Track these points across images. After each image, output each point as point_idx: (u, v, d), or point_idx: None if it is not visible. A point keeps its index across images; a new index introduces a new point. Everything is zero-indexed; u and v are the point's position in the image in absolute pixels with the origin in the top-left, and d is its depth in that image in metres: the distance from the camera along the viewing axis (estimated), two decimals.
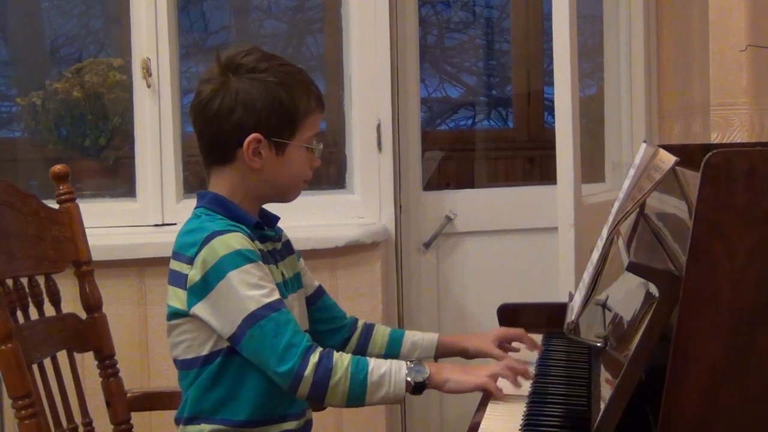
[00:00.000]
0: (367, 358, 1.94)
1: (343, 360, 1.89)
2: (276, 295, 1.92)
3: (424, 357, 2.19)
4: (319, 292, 2.22)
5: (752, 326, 1.34)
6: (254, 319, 1.87)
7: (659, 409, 1.37)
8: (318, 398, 1.90)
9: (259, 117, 1.96)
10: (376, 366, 1.91)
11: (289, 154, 1.99)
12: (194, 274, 1.91)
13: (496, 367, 1.96)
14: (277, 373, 1.87)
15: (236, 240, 1.92)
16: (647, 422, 1.49)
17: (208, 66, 2.05)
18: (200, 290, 1.91)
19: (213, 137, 2.01)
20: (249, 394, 1.96)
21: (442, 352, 2.21)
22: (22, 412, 1.93)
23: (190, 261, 1.92)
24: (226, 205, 2.00)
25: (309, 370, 1.86)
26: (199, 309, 1.92)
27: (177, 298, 1.95)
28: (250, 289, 1.89)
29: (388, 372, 1.91)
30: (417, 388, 1.91)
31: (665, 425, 1.36)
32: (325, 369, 1.87)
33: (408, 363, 1.93)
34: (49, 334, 2.17)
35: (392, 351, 2.20)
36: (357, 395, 1.89)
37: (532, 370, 2.02)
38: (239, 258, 1.90)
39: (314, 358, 1.87)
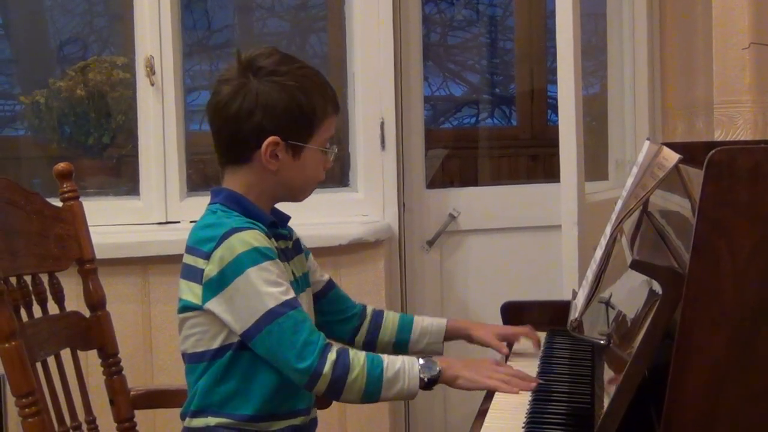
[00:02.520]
0: (381, 355, 1.97)
1: (359, 357, 1.92)
2: (292, 293, 1.94)
3: (433, 342, 2.24)
4: (330, 284, 2.25)
5: (755, 323, 1.34)
6: (273, 316, 1.89)
7: (662, 407, 1.37)
8: (334, 394, 1.93)
9: (279, 120, 1.97)
10: (391, 363, 1.94)
11: (305, 157, 2.01)
12: (211, 269, 1.92)
13: (498, 382, 1.95)
14: (296, 369, 1.89)
15: (254, 237, 1.93)
16: (650, 420, 1.49)
17: (228, 65, 2.07)
18: (216, 285, 1.92)
19: (231, 138, 2.02)
20: (258, 389, 1.97)
21: (450, 337, 2.26)
22: (26, 410, 1.93)
23: (207, 256, 1.93)
24: (242, 203, 2.01)
25: (327, 367, 1.88)
26: (214, 304, 1.93)
27: (191, 292, 1.97)
28: (269, 285, 1.91)
29: (402, 368, 1.94)
30: (429, 383, 1.95)
31: (668, 422, 1.36)
32: (342, 366, 1.90)
33: (419, 360, 1.96)
34: (52, 332, 2.17)
35: (403, 336, 2.24)
36: (373, 391, 1.92)
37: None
38: (257, 255, 1.91)
39: (332, 356, 1.90)
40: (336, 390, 1.91)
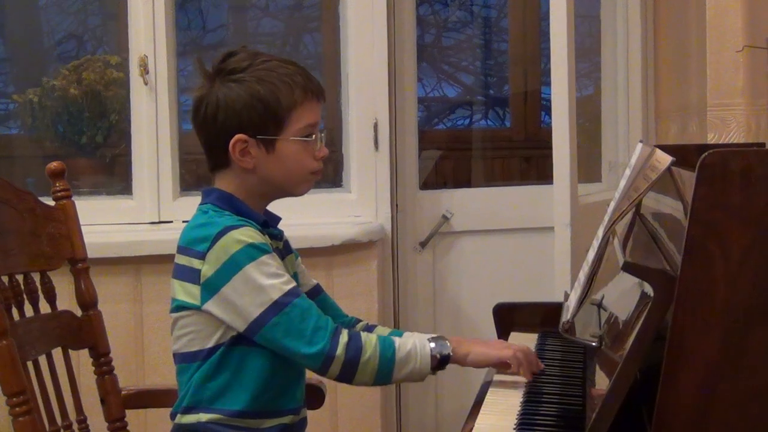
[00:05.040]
0: (392, 336, 1.99)
1: (371, 339, 1.94)
2: (293, 282, 1.96)
3: None
4: (317, 290, 2.23)
5: (747, 325, 1.34)
6: (279, 306, 1.90)
7: (654, 408, 1.37)
8: (348, 377, 1.94)
9: (240, 117, 1.97)
10: (402, 343, 1.96)
11: (280, 150, 2.00)
12: (207, 269, 1.92)
13: (513, 351, 1.98)
14: (307, 355, 1.90)
15: (248, 234, 1.93)
16: (642, 422, 1.49)
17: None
18: (214, 285, 1.92)
19: (206, 144, 2.04)
20: (248, 383, 1.97)
21: None
22: (17, 409, 1.92)
23: (202, 256, 1.93)
24: (234, 203, 2.01)
25: (340, 350, 1.90)
26: (212, 305, 1.93)
27: (186, 293, 1.96)
28: (270, 278, 1.91)
29: (414, 348, 1.96)
30: (441, 362, 1.97)
31: (659, 424, 1.36)
32: (355, 348, 1.91)
33: (430, 339, 1.98)
34: (44, 332, 2.17)
35: None
36: (385, 372, 1.94)
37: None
38: (253, 251, 1.92)
39: (344, 338, 1.91)
40: (349, 372, 1.92)
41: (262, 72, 1.99)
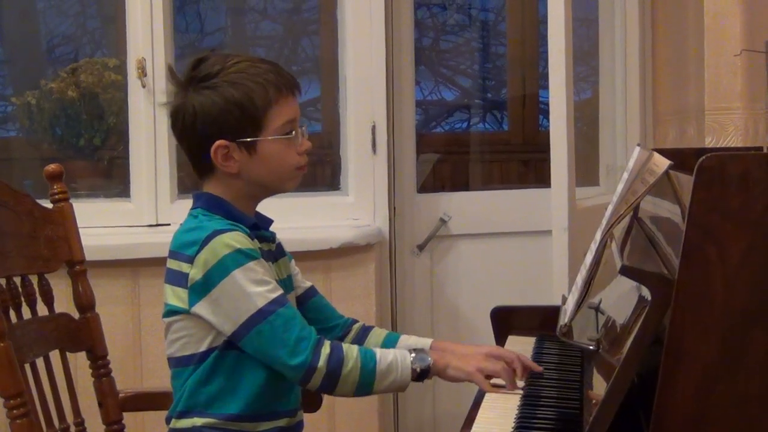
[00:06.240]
0: (373, 348, 1.99)
1: (352, 350, 1.95)
2: (279, 290, 1.95)
3: None
4: (311, 292, 2.23)
5: (745, 328, 1.34)
6: (263, 315, 1.90)
7: (651, 412, 1.37)
8: (329, 388, 1.94)
9: (218, 124, 1.97)
10: (383, 355, 1.96)
11: (262, 151, 1.99)
12: (195, 273, 1.92)
13: (496, 365, 1.98)
14: (290, 366, 1.91)
15: (237, 239, 1.93)
16: (639, 425, 1.49)
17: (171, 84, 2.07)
18: (201, 289, 1.93)
19: (189, 153, 2.05)
20: (243, 388, 1.98)
21: None
22: (14, 411, 1.92)
23: (190, 260, 1.93)
24: (223, 206, 2.01)
25: (322, 361, 1.90)
26: (200, 307, 1.93)
27: (176, 297, 1.97)
28: (256, 285, 1.91)
29: (395, 360, 1.96)
30: (421, 374, 1.98)
31: (657, 427, 1.36)
32: (337, 360, 1.91)
33: (411, 352, 1.99)
34: (41, 334, 2.17)
35: None
36: (366, 384, 1.94)
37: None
38: (241, 256, 1.92)
39: (326, 350, 1.91)
40: (330, 384, 1.92)
41: (234, 75, 1.98)
